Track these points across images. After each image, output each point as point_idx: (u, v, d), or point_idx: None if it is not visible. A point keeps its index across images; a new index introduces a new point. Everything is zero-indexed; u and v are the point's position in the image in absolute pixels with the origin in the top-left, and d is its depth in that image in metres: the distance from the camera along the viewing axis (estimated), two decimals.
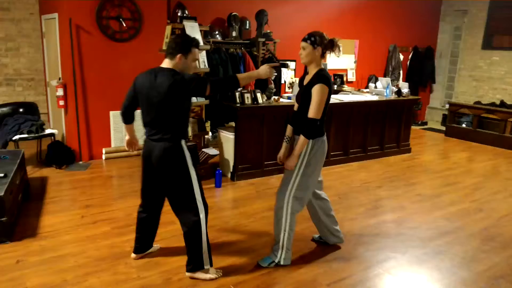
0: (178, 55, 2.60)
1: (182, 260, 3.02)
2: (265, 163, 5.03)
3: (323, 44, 2.82)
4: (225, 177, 4.90)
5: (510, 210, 4.33)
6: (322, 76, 2.79)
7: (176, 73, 2.58)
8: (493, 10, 8.58)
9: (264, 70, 2.77)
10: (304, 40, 2.85)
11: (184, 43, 2.64)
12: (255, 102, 4.84)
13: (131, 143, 3.09)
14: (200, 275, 2.77)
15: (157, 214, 2.97)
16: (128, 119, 2.98)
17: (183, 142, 2.66)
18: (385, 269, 3.05)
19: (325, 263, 3.08)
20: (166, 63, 2.64)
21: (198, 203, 2.68)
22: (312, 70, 2.87)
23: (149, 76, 2.63)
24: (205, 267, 2.76)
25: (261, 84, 5.93)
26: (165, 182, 2.70)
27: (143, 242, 3.02)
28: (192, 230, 2.68)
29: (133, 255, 3.03)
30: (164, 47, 4.55)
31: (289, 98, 5.44)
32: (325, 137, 2.98)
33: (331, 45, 2.85)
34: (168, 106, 2.57)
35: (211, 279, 2.77)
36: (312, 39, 2.82)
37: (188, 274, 2.79)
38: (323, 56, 2.87)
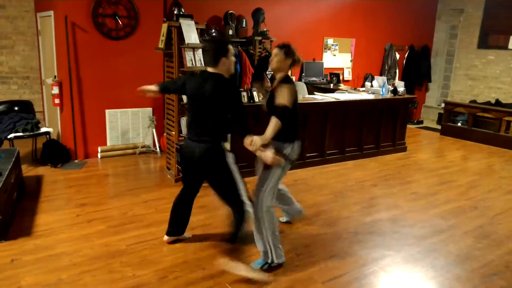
0: (222, 59, 2.73)
1: (177, 259, 3.04)
2: None
3: (293, 57, 2.93)
4: None
5: (505, 208, 4.36)
6: (288, 80, 2.91)
7: (225, 79, 2.75)
8: (489, 9, 8.61)
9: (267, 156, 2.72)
10: (279, 47, 2.94)
11: (221, 46, 2.74)
12: (251, 101, 4.84)
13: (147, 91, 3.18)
14: (242, 269, 2.74)
15: (191, 201, 3.18)
16: (163, 92, 3.22)
17: (223, 143, 2.82)
18: (380, 267, 3.06)
19: (320, 261, 3.09)
20: (211, 71, 2.76)
21: (242, 194, 2.79)
22: (279, 77, 2.95)
23: (199, 80, 2.79)
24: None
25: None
26: (208, 177, 2.88)
27: (176, 226, 3.22)
28: (238, 218, 2.78)
29: (165, 237, 3.24)
30: (160, 45, 4.53)
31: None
32: (297, 142, 3.00)
33: (297, 61, 2.96)
34: (213, 110, 2.73)
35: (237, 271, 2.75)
36: (286, 49, 2.92)
37: (226, 243, 2.82)
38: (290, 67, 2.97)
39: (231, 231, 2.82)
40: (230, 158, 2.82)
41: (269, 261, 2.95)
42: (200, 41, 4.48)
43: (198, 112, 2.81)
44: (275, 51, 2.93)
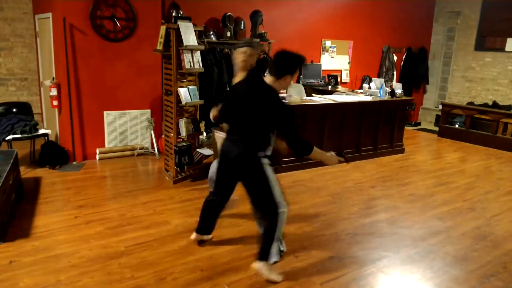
0: (287, 77, 2.66)
1: (176, 260, 3.04)
2: None
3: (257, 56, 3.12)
4: None
5: (502, 209, 4.38)
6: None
7: (276, 95, 2.65)
8: (486, 11, 8.66)
9: (332, 160, 2.85)
10: (249, 45, 3.09)
11: (296, 62, 2.67)
12: None
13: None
14: (265, 271, 2.80)
15: (223, 202, 3.13)
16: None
17: (260, 152, 2.73)
18: (378, 268, 3.07)
19: (319, 262, 3.10)
20: (269, 80, 2.68)
21: (277, 201, 2.74)
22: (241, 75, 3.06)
23: (251, 86, 2.75)
24: (271, 260, 2.83)
25: None
26: (241, 180, 2.86)
27: (205, 225, 3.21)
28: (269, 223, 2.76)
29: (194, 235, 3.24)
30: (159, 47, 4.54)
31: (283, 98, 5.45)
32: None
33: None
34: (257, 121, 2.70)
35: (273, 281, 2.79)
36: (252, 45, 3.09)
37: (255, 264, 2.81)
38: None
39: (262, 247, 2.81)
40: (266, 163, 2.76)
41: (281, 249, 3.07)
42: (198, 43, 4.49)
43: (240, 117, 2.77)
44: (244, 49, 3.15)
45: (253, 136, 2.74)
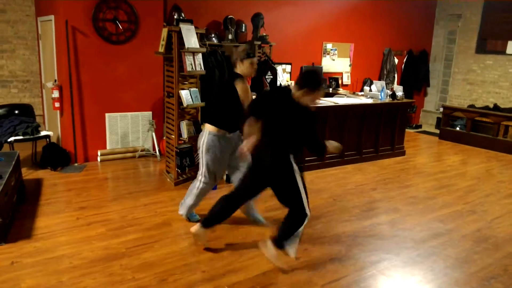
0: (306, 90, 2.83)
1: (177, 261, 3.04)
2: None
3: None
4: (220, 180, 4.91)
5: (503, 212, 4.38)
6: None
7: (309, 111, 2.89)
8: (487, 14, 8.67)
9: (336, 147, 3.06)
10: (253, 54, 3.36)
11: (316, 83, 2.87)
12: None
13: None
14: (273, 256, 2.94)
15: (241, 203, 3.22)
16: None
17: (291, 157, 2.91)
18: (379, 270, 3.08)
19: (320, 264, 3.11)
20: (294, 89, 2.89)
21: (304, 206, 2.93)
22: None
23: (282, 96, 2.93)
24: (286, 247, 3.01)
25: (257, 87, 5.96)
26: (272, 185, 3.01)
27: (212, 218, 3.17)
28: (296, 219, 2.95)
29: (196, 226, 3.17)
30: (160, 50, 4.56)
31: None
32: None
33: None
34: (290, 129, 2.88)
35: (278, 267, 2.97)
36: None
37: (266, 244, 2.95)
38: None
39: (283, 231, 2.97)
40: (296, 170, 2.93)
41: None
42: (200, 45, 4.51)
43: (275, 126, 2.94)
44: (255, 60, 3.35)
45: (287, 145, 2.92)
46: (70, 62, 5.08)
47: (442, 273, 3.08)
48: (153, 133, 5.77)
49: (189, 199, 3.62)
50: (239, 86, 3.24)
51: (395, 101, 6.31)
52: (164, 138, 5.28)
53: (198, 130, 4.76)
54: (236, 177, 3.50)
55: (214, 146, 3.36)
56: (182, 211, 3.69)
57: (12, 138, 4.79)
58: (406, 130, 6.87)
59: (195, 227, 3.17)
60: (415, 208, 4.38)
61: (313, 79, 2.87)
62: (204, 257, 3.13)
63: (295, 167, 2.93)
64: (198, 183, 3.53)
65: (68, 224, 3.59)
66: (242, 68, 3.32)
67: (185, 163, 4.60)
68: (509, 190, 5.11)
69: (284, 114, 2.88)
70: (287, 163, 2.89)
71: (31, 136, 4.94)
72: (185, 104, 4.46)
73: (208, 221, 3.16)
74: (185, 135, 4.57)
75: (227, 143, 3.41)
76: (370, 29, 8.43)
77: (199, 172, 3.53)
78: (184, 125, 4.56)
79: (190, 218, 3.73)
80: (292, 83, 7.37)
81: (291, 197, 2.94)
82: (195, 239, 3.24)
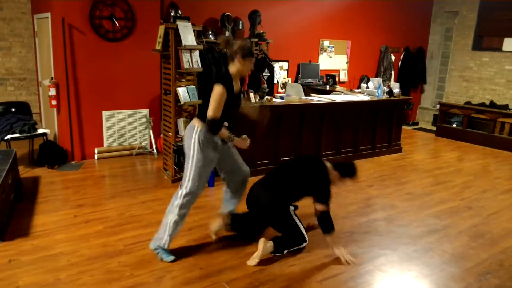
0: (343, 179, 3.27)
1: (175, 258, 3.04)
2: (258, 162, 5.06)
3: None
4: (218, 177, 4.91)
5: (499, 208, 4.41)
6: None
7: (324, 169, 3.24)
8: (483, 12, 8.70)
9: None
10: (251, 54, 3.16)
11: (354, 175, 3.27)
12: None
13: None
14: (265, 253, 3.06)
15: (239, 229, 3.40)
16: None
17: (287, 202, 3.19)
18: (376, 266, 3.09)
19: (317, 260, 3.12)
20: (333, 171, 3.23)
21: (303, 235, 3.20)
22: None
23: (316, 168, 3.25)
24: (284, 252, 3.18)
25: (254, 84, 5.96)
26: (269, 222, 3.27)
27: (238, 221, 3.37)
28: (294, 241, 3.19)
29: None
30: (157, 47, 4.55)
31: (281, 98, 5.48)
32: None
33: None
34: (293, 185, 3.20)
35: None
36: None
37: (270, 243, 3.07)
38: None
39: (280, 242, 3.12)
40: (292, 210, 3.22)
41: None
42: (197, 42, 4.50)
43: (279, 175, 3.25)
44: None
45: (287, 192, 3.17)
46: (67, 59, 5.07)
47: (438, 268, 3.10)
48: (150, 131, 5.76)
49: (165, 230, 3.02)
50: (214, 90, 2.93)
51: (392, 98, 6.33)
52: (161, 135, 5.28)
53: None
54: (235, 181, 3.38)
55: (208, 143, 3.02)
56: (154, 244, 3.06)
57: (9, 136, 4.78)
58: (403, 127, 6.90)
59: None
60: (411, 204, 4.40)
61: (354, 172, 3.22)
62: (202, 254, 3.14)
63: (292, 207, 3.23)
64: (179, 199, 3.01)
65: (65, 222, 3.59)
66: (240, 65, 3.00)
67: (182, 160, 4.60)
68: (505, 186, 5.14)
69: (309, 180, 3.15)
70: (283, 204, 3.14)
71: (28, 134, 4.93)
72: (182, 102, 4.46)
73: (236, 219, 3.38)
74: (182, 132, 4.57)
75: (219, 141, 3.17)
76: (367, 26, 8.44)
77: (181, 183, 3.06)
78: (181, 123, 4.56)
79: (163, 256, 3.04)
80: (289, 80, 7.39)
81: (288, 230, 3.16)
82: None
